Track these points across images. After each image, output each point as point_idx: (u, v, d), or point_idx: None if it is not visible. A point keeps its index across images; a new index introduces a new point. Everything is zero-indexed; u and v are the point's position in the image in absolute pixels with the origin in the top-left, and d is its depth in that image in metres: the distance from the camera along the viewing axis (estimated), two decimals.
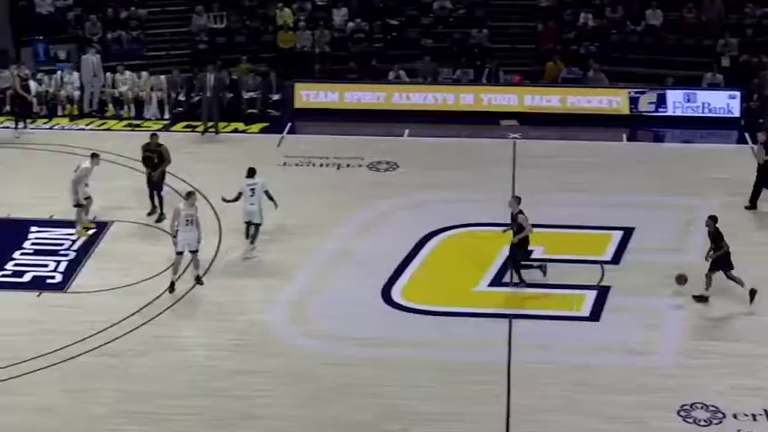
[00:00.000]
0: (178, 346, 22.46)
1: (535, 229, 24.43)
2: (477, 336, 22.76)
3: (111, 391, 20.88)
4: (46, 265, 25.60)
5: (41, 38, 38.19)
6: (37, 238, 26.83)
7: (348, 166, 30.85)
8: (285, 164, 30.84)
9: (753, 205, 28.01)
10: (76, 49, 37.98)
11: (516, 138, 32.75)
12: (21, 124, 33.43)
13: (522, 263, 24.51)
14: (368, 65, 37.45)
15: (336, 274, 25.21)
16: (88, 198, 26.96)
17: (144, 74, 35.47)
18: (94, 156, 27.18)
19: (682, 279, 23.86)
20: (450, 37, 38.25)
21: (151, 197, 27.70)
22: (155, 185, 27.69)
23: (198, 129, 33.61)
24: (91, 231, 26.85)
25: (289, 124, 34.26)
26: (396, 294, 24.34)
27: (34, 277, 25.14)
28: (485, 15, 39.00)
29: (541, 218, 26.43)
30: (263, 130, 33.86)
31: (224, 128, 33.70)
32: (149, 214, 27.48)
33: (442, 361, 21.82)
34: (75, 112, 35.09)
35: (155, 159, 27.57)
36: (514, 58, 37.81)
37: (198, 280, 24.46)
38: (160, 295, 24.13)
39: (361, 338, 22.60)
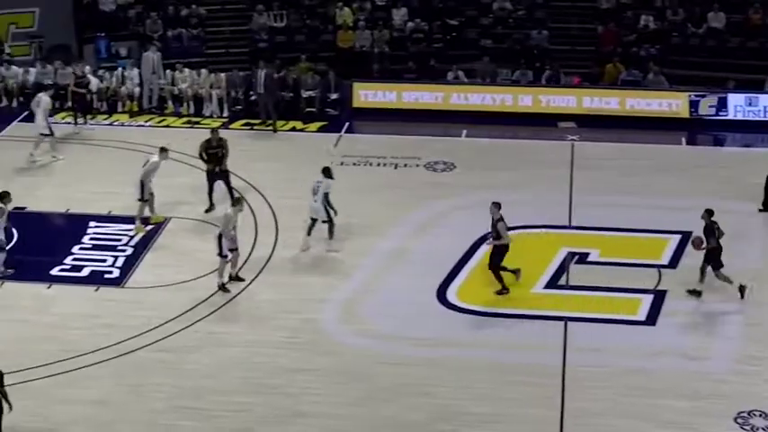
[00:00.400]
0: (232, 342, 22.56)
1: (593, 232, 24.29)
2: (531, 338, 22.70)
3: (165, 387, 21.06)
4: (104, 260, 25.82)
5: (103, 35, 38.53)
6: (95, 234, 27.07)
7: (405, 165, 30.84)
8: (342, 163, 30.85)
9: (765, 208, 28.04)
10: (137, 46, 38.33)
11: (574, 140, 32.59)
12: (80, 120, 33.72)
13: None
14: (426, 65, 37.42)
15: (392, 274, 25.21)
16: (151, 194, 27.14)
17: (203, 71, 35.64)
18: (163, 150, 27.36)
19: (697, 241, 23.82)
20: (510, 38, 38.12)
21: (210, 194, 27.79)
22: (221, 179, 27.74)
23: (256, 126, 33.75)
24: (149, 228, 27.00)
25: (347, 123, 34.30)
26: (451, 295, 24.31)
27: (92, 272, 25.37)
28: (545, 17, 38.86)
29: (598, 220, 26.41)
30: (321, 129, 33.92)
31: (282, 126, 33.78)
32: (207, 211, 27.58)
33: (496, 362, 21.80)
34: (135, 109, 35.36)
35: (219, 154, 27.68)
36: (574, 60, 37.63)
37: (237, 278, 24.66)
38: (215, 292, 24.27)
39: (416, 338, 22.59)
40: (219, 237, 24.03)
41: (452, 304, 24.00)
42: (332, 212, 25.68)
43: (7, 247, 25.07)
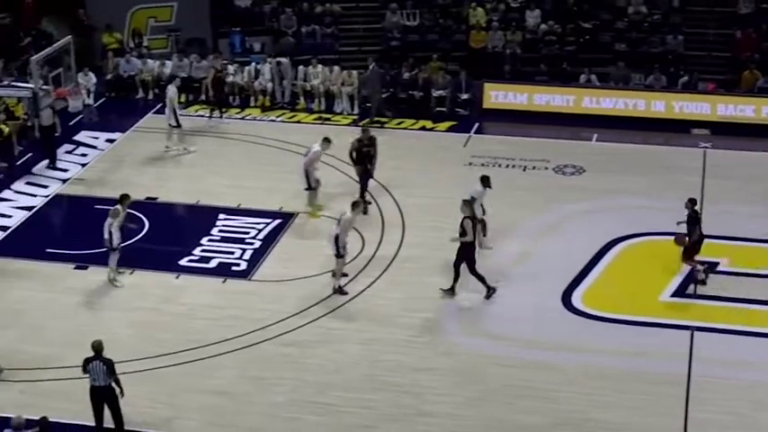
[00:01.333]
0: (355, 339, 22.67)
1: (723, 241, 23.87)
2: (657, 346, 22.37)
3: (288, 380, 21.26)
4: (232, 253, 26.15)
5: (238, 29, 39.03)
6: (224, 226, 27.42)
7: (534, 168, 30.67)
8: (471, 163, 30.78)
9: None
10: (271, 42, 38.73)
11: (707, 147, 32.04)
12: (215, 113, 34.19)
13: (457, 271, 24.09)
14: (559, 67, 37.16)
15: (517, 276, 25.07)
16: (318, 181, 27.40)
17: (336, 68, 35.85)
18: (326, 140, 27.62)
19: (680, 238, 24.36)
20: (644, 42, 37.63)
21: (363, 193, 27.81)
22: (368, 177, 27.90)
23: (361, 123, 33.81)
24: (320, 213, 27.06)
25: (476, 124, 34.21)
26: (576, 299, 24.11)
27: (220, 264, 25.71)
28: (681, 21, 38.25)
29: (729, 229, 25.93)
30: (450, 129, 33.88)
31: (412, 125, 33.82)
32: (365, 212, 27.30)
33: (619, 369, 21.57)
34: (267, 104, 35.72)
35: (371, 153, 27.82)
36: (709, 66, 37.01)
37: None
38: (341, 288, 24.42)
39: (539, 342, 22.45)
40: (336, 238, 24.19)
41: (577, 309, 23.80)
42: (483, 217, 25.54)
43: (131, 242, 25.48)
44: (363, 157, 27.76)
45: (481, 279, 24.00)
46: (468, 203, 23.98)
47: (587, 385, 21.05)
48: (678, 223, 24.41)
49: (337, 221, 24.41)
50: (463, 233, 23.69)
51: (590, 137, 32.95)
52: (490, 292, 24.05)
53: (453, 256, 25.06)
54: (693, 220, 24.06)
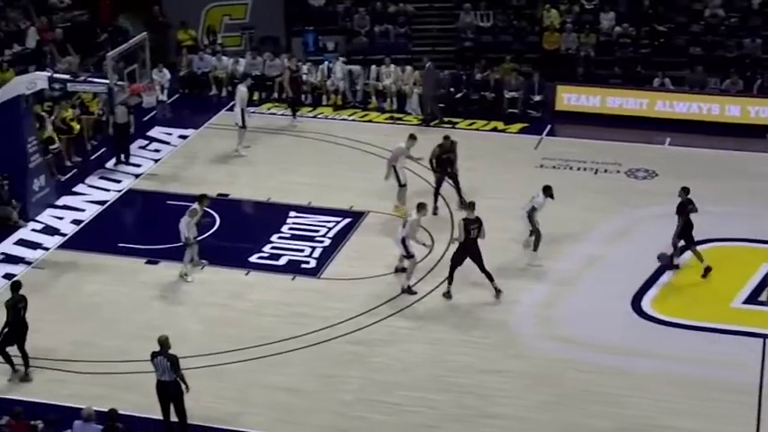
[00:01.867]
0: (423, 339, 22.65)
1: None
2: (728, 353, 22.12)
3: (355, 379, 21.29)
4: (302, 250, 26.23)
5: (311, 28, 39.15)
6: (294, 224, 27.52)
7: (606, 171, 30.47)
8: (542, 166, 30.68)
9: None
10: (344, 41, 38.83)
11: None
12: (296, 111, 34.32)
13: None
14: (632, 70, 36.88)
15: (587, 280, 24.92)
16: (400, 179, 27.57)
17: (408, 68, 35.84)
18: (412, 136, 27.82)
19: (664, 258, 24.92)
20: (720, 46, 37.20)
21: (436, 198, 27.83)
22: (452, 179, 27.92)
23: (457, 125, 33.85)
24: (403, 212, 27.05)
25: (548, 126, 34.06)
26: (646, 304, 23.90)
27: (290, 261, 25.80)
28: (760, 24, 37.75)
29: None
30: (521, 131, 33.75)
31: (483, 126, 33.75)
32: (434, 213, 27.40)
33: (689, 376, 21.34)
34: (339, 103, 35.81)
35: (451, 159, 27.81)
36: None
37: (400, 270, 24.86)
38: (409, 288, 24.40)
39: (608, 346, 22.29)
40: (403, 240, 24.19)
41: (647, 314, 23.60)
42: (539, 228, 25.39)
43: (202, 237, 25.63)
44: (443, 164, 27.76)
45: (451, 279, 24.08)
46: (467, 205, 24.20)
47: (657, 391, 20.84)
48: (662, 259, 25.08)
49: (403, 224, 24.43)
50: (460, 235, 23.84)
51: (663, 141, 32.68)
52: (449, 294, 24.09)
53: (524, 257, 25.07)
54: (685, 207, 24.63)
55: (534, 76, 35.38)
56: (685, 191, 24.74)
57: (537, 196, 25.40)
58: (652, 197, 28.75)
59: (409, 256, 24.23)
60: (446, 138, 28.21)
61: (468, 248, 23.81)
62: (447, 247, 25.64)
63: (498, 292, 23.98)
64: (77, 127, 31.28)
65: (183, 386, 19.20)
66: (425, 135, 30.13)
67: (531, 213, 25.25)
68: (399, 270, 24.80)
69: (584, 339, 22.56)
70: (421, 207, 24.57)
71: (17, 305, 21.18)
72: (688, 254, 25.10)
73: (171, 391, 19.19)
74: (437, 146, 27.98)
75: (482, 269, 23.88)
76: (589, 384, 21.05)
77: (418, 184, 28.46)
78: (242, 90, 31.58)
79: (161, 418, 19.45)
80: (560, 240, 26.13)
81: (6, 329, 21.11)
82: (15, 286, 21.66)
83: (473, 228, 23.64)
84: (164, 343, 19.12)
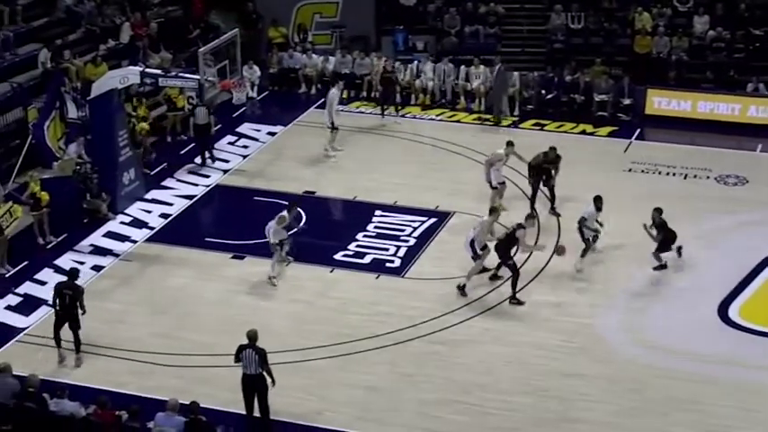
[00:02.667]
0: (506, 341, 22.56)
1: None
2: None
3: (437, 378, 21.27)
4: (386, 249, 26.26)
5: (401, 28, 39.19)
6: (380, 222, 27.55)
7: (695, 176, 30.12)
8: (630, 170, 30.43)
9: None
10: (434, 41, 38.82)
11: None
12: (395, 110, 34.48)
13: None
14: (725, 75, 36.41)
15: (673, 286, 24.66)
16: (502, 184, 27.50)
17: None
18: (510, 143, 27.90)
19: (561, 250, 24.66)
20: None
21: (533, 202, 27.82)
22: (546, 185, 27.90)
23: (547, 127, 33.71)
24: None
25: (638, 130, 33.75)
26: (733, 312, 23.59)
27: (374, 260, 25.85)
28: None
29: None
30: (611, 134, 33.48)
31: (572, 128, 33.56)
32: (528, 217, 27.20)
33: None
34: (428, 102, 35.80)
35: (552, 170, 27.73)
36: None
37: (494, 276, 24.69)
38: (493, 289, 24.34)
39: (693, 353, 22.03)
40: (472, 242, 24.15)
41: (734, 322, 23.29)
42: (589, 238, 25.19)
43: (290, 233, 25.74)
44: (541, 172, 27.65)
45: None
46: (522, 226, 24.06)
47: (744, 401, 20.57)
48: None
49: (474, 226, 24.39)
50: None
51: (755, 147, 32.21)
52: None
53: (610, 262, 24.90)
54: (662, 226, 24.79)
55: (624, 79, 35.05)
56: (659, 212, 24.80)
57: (588, 206, 25.12)
58: (742, 204, 28.40)
59: (476, 257, 24.16)
60: (552, 149, 27.88)
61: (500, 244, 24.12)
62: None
63: (496, 277, 24.58)
64: (146, 128, 31.56)
65: (269, 380, 19.35)
66: (495, 136, 29.97)
67: (582, 223, 25.04)
68: (493, 277, 24.69)
69: (670, 346, 22.32)
70: (493, 211, 24.63)
71: (62, 291, 21.72)
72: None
73: (256, 384, 19.36)
74: (542, 153, 27.79)
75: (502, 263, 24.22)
76: (673, 391, 20.83)
77: (512, 189, 28.31)
78: (333, 92, 31.61)
79: (244, 412, 19.61)
80: (648, 246, 25.86)
81: (57, 312, 21.78)
82: (69, 273, 22.36)
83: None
84: (252, 336, 19.34)
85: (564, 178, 28.37)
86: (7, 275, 25.23)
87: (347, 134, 32.41)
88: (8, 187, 27.42)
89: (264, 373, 19.28)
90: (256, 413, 19.59)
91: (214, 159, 31.34)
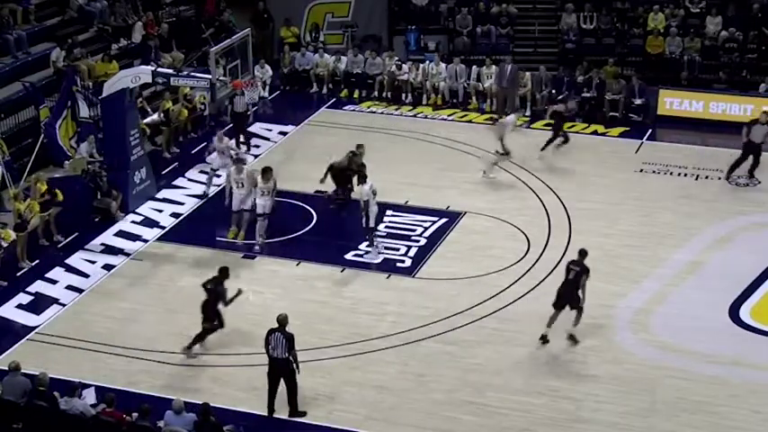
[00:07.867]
0: (516, 341, 22.52)
1: None
2: None
3: (448, 379, 21.25)
4: (397, 249, 26.25)
5: (414, 27, 39.20)
6: (391, 222, 27.53)
7: (707, 177, 30.05)
8: (642, 170, 30.38)
9: None
10: (446, 41, 38.82)
11: None
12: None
13: None
14: (738, 76, 36.33)
15: (685, 287, 24.61)
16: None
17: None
18: (517, 109, 28.27)
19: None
20: None
21: None
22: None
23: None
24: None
25: (649, 130, 33.70)
26: (744, 313, 23.54)
27: (385, 260, 25.83)
28: None
29: None
30: (622, 135, 33.43)
31: (583, 129, 33.49)
32: None
33: None
34: (439, 102, 35.80)
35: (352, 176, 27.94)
36: None
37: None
38: (505, 289, 24.30)
39: (704, 354, 21.99)
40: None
41: (745, 323, 23.24)
42: None
43: (299, 233, 25.76)
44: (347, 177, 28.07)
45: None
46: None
47: (752, 402, 20.53)
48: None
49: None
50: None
51: (767, 148, 32.07)
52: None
53: (621, 262, 24.84)
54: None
55: (635, 79, 34.97)
56: (582, 254, 22.30)
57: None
58: (754, 205, 28.35)
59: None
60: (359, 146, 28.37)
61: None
62: (543, 250, 25.45)
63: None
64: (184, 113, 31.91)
65: (295, 365, 19.62)
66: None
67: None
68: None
69: (681, 347, 22.28)
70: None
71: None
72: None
73: (282, 367, 19.68)
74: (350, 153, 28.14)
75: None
76: (684, 392, 20.79)
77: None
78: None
79: (256, 411, 19.65)
80: (659, 245, 25.85)
81: None
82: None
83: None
84: (282, 321, 19.82)
85: (575, 178, 28.32)
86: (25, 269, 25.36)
87: (358, 134, 32.36)
88: (20, 186, 27.47)
89: (291, 358, 19.55)
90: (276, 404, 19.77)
91: (250, 147, 31.67)
